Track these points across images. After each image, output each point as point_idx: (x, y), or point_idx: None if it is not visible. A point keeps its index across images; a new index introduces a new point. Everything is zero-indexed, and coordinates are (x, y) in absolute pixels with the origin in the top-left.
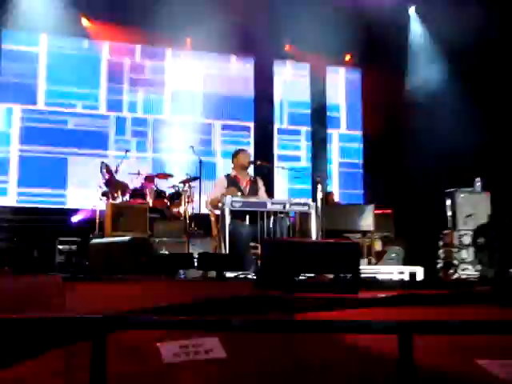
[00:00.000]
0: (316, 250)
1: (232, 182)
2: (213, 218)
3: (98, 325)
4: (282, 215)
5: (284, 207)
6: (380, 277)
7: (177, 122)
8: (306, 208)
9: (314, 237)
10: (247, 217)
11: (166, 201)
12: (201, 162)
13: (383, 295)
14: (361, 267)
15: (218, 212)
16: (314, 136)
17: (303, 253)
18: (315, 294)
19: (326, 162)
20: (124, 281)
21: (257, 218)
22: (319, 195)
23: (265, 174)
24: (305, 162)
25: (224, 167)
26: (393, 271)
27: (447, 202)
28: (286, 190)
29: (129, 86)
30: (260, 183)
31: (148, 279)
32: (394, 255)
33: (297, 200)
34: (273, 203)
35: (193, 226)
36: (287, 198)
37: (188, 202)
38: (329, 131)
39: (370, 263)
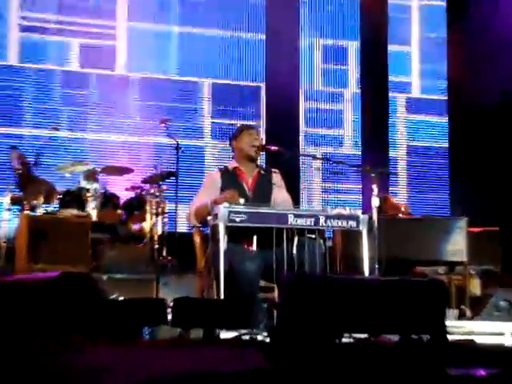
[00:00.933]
0: (370, 294)
1: (230, 179)
2: (198, 241)
3: None
4: (314, 235)
5: (316, 222)
6: (481, 340)
7: (137, 80)
8: (352, 223)
9: (366, 271)
10: (255, 238)
11: (120, 212)
12: (179, 146)
13: (486, 373)
14: (448, 323)
15: (206, 230)
16: (365, 104)
17: (349, 298)
18: (369, 368)
19: (387, 146)
20: (51, 348)
21: (271, 240)
22: (375, 202)
23: (285, 166)
24: (350, 147)
25: (217, 156)
26: (503, 331)
27: None
28: (320, 193)
29: (57, 18)
30: (277, 180)
31: (91, 343)
32: (503, 304)
33: (338, 210)
34: (298, 216)
35: (165, 253)
36: (322, 206)
37: (157, 214)
38: (392, 95)
39: (462, 316)
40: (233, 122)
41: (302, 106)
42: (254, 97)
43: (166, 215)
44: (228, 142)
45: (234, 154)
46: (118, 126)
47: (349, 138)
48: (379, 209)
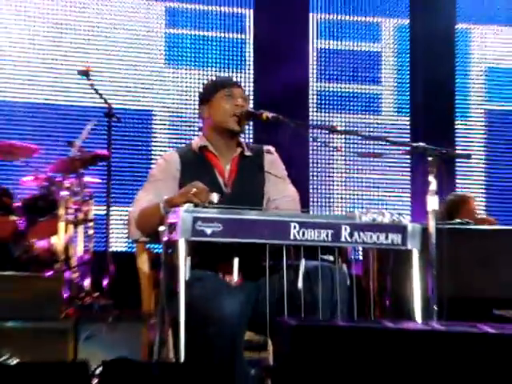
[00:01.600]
0: (426, 354)
1: (196, 165)
2: (145, 266)
3: None
4: (332, 257)
5: (336, 236)
6: None
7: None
8: (395, 238)
9: (417, 316)
10: (236, 262)
11: (14, 219)
12: (111, 112)
13: None
14: None
15: (158, 248)
16: (417, 42)
17: (390, 359)
18: None
19: (453, 112)
20: None
21: (262, 265)
22: (432, 203)
23: (284, 146)
24: (392, 114)
25: (174, 129)
26: None
27: None
28: (342, 189)
29: None
30: (273, 163)
31: None
32: None
33: (371, 216)
34: (306, 225)
35: (88, 286)
36: (345, 210)
37: (76, 224)
38: (461, 27)
39: None
40: (200, 71)
41: (313, 46)
42: (237, 28)
43: (92, 225)
44: (197, 106)
45: (202, 124)
46: (11, 77)
47: (390, 98)
48: (447, 215)
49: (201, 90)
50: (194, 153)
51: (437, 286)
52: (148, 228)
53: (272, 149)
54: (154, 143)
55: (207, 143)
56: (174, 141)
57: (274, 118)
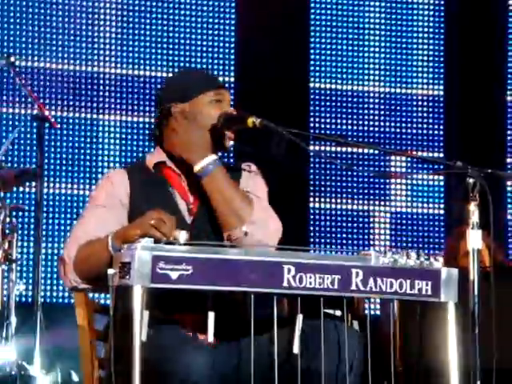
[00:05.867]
0: None
1: (150, 187)
2: (85, 322)
3: None
4: (339, 312)
5: (345, 282)
6: None
7: None
8: (423, 286)
9: None
10: (211, 318)
11: None
12: (42, 116)
13: None
14: None
15: (104, 299)
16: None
17: None
18: None
19: (502, 118)
20: None
21: (245, 323)
22: (473, 241)
23: (272, 166)
24: (422, 121)
25: (124, 138)
26: None
27: None
28: (354, 221)
29: None
30: (253, 183)
31: None
32: None
33: (391, 257)
34: (304, 267)
35: (10, 350)
36: (355, 248)
37: None
38: None
39: None
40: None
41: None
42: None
43: (15, 266)
44: (155, 113)
45: (162, 136)
46: None
47: (420, 96)
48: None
49: (171, 85)
50: (147, 171)
51: (481, 352)
52: (90, 271)
53: (253, 166)
54: (100, 157)
55: (166, 158)
56: (129, 153)
57: (263, 124)
